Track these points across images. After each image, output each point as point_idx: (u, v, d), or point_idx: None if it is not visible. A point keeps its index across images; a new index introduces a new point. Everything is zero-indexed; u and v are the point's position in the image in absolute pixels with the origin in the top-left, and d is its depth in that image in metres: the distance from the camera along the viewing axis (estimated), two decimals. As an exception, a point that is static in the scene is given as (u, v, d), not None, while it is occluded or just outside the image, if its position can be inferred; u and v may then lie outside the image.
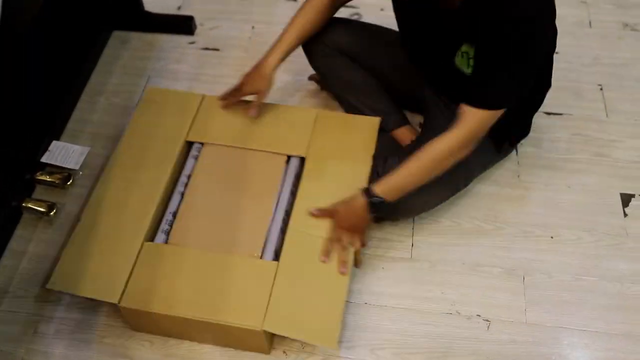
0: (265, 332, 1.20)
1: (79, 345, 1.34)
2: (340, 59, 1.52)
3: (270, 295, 1.22)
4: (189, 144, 1.50)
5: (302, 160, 1.45)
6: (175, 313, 1.22)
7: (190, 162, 1.46)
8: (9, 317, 1.38)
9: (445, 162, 1.25)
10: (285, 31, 1.43)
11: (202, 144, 1.48)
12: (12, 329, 1.37)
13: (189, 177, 1.43)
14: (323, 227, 1.31)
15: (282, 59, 1.42)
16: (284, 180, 1.43)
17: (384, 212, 1.35)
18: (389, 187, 1.26)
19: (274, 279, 1.25)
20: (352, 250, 1.29)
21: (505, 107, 1.21)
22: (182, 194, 1.41)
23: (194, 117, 1.51)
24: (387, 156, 1.43)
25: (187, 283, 1.25)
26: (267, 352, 1.30)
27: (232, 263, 1.28)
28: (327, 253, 1.27)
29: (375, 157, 1.43)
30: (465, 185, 1.47)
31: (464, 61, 1.25)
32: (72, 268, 1.28)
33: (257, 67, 1.44)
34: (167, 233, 1.35)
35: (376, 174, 1.39)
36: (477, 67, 1.22)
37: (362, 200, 1.26)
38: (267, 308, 1.21)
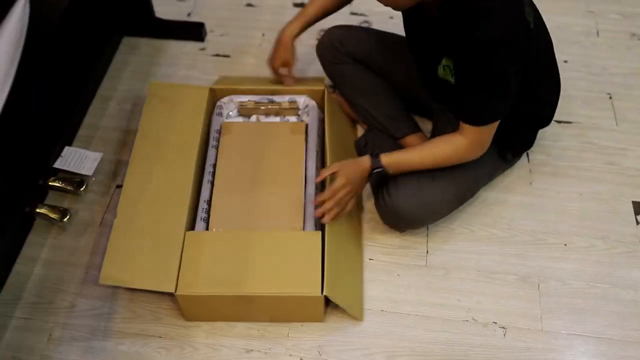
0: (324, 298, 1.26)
1: (95, 352, 1.33)
2: (352, 65, 1.54)
3: (322, 264, 1.27)
4: (207, 135, 1.56)
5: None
6: (238, 292, 1.25)
7: (211, 152, 1.51)
8: (22, 324, 1.37)
9: (450, 162, 1.32)
10: (307, 4, 1.49)
11: (219, 133, 1.54)
12: (26, 336, 1.36)
13: (214, 165, 1.48)
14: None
15: (302, 30, 1.49)
16: (307, 148, 1.50)
17: (378, 181, 1.42)
18: (393, 161, 1.33)
19: (323, 248, 1.29)
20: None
21: (492, 122, 1.24)
22: (212, 182, 1.45)
23: (206, 108, 1.56)
24: None
25: (239, 263, 1.29)
26: (321, 319, 1.34)
27: (277, 238, 1.32)
28: (321, 199, 1.33)
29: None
30: (472, 195, 1.48)
31: (447, 73, 1.28)
32: (119, 263, 1.30)
33: (278, 41, 1.51)
34: (206, 220, 1.39)
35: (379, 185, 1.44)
36: (458, 82, 1.26)
37: (367, 163, 1.32)
38: (322, 276, 1.25)
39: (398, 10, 1.24)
